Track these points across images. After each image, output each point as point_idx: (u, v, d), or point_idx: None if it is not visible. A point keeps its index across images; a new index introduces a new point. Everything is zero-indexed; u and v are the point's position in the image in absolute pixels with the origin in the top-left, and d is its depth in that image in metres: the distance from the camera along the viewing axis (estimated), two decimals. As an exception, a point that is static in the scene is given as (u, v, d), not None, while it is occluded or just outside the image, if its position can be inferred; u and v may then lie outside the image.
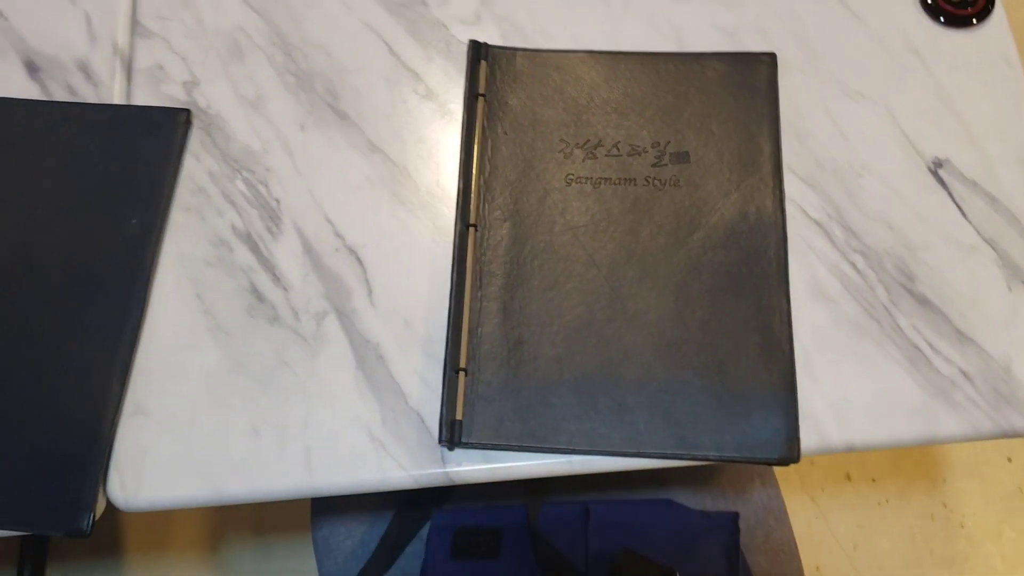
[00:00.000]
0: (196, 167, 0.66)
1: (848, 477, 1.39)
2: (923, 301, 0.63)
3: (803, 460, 1.40)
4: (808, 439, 0.59)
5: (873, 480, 1.39)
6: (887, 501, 1.37)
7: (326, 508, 0.86)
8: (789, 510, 0.87)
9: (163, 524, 1.34)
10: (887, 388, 0.61)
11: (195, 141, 0.67)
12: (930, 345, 0.62)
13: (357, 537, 0.85)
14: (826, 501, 1.37)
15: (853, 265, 0.64)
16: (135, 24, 0.70)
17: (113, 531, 1.32)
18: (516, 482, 0.84)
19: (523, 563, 0.77)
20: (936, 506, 1.37)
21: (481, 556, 0.78)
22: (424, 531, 0.84)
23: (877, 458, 1.40)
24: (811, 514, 1.36)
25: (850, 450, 0.60)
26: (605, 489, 0.86)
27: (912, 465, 1.40)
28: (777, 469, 1.11)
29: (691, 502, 0.85)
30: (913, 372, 0.61)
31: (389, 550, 0.84)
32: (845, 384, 0.61)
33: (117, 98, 0.68)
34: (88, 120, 0.66)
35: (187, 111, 0.67)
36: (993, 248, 0.64)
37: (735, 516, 0.80)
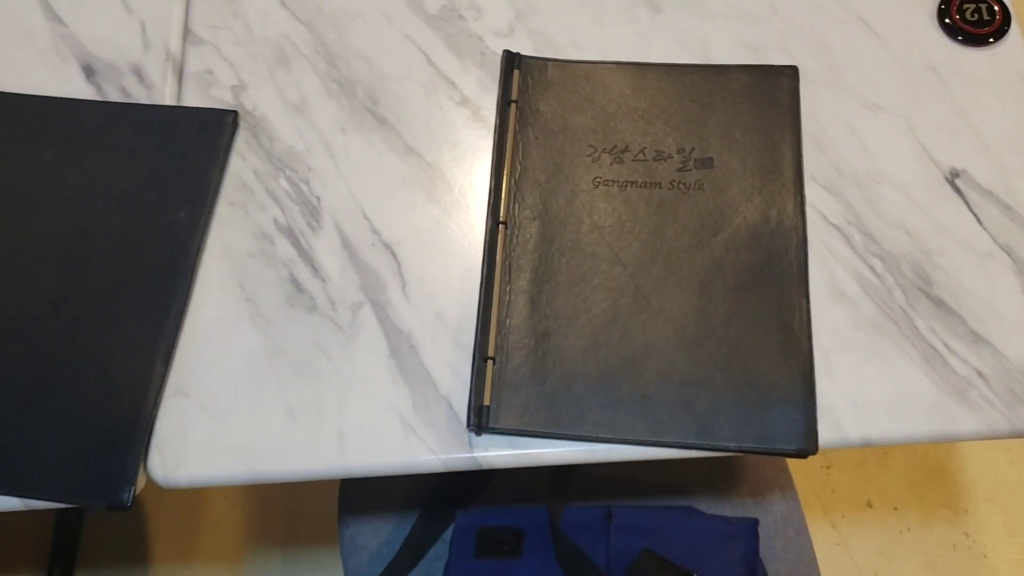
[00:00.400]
0: (242, 165, 0.69)
1: (869, 504, 1.39)
2: (940, 304, 0.65)
3: (824, 486, 1.40)
4: (826, 433, 0.61)
5: (895, 508, 1.39)
6: (908, 529, 1.37)
7: (353, 508, 0.88)
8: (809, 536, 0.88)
9: (190, 535, 1.36)
10: (904, 387, 0.62)
11: (241, 141, 0.70)
12: (946, 346, 0.64)
13: (382, 537, 0.87)
14: (847, 528, 1.37)
15: (872, 268, 0.66)
16: (187, 32, 0.74)
17: (140, 541, 1.35)
18: (539, 486, 0.86)
19: (545, 562, 0.78)
20: (958, 536, 1.37)
21: (504, 555, 0.79)
22: (448, 534, 0.86)
23: (899, 486, 1.40)
24: (832, 541, 1.36)
25: (867, 444, 0.61)
26: (627, 496, 0.87)
27: (934, 494, 1.40)
28: (800, 491, 1.12)
29: (711, 511, 0.87)
30: (930, 371, 0.63)
31: (413, 551, 0.86)
32: (863, 382, 0.63)
33: (168, 100, 0.71)
34: (141, 120, 0.70)
35: (234, 113, 0.70)
36: (1009, 255, 0.66)
37: (754, 523, 0.81)
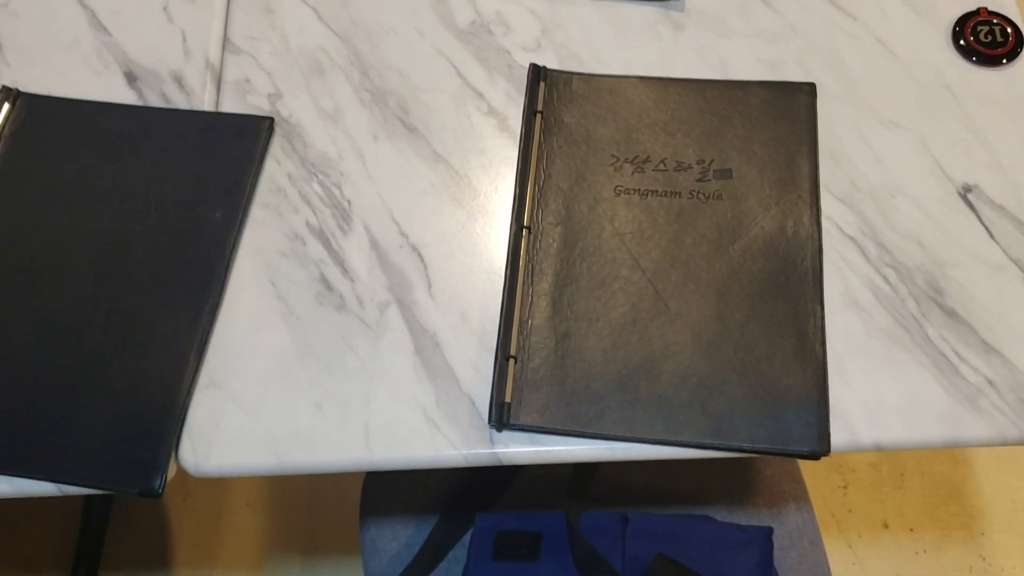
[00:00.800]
0: (276, 169, 0.72)
1: (885, 525, 1.39)
2: (951, 314, 0.66)
3: (841, 506, 1.41)
4: (839, 437, 0.62)
5: (911, 529, 1.39)
6: (924, 551, 1.37)
7: (375, 510, 0.90)
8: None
9: (212, 541, 1.38)
10: (916, 393, 0.64)
11: (276, 147, 0.73)
12: (957, 354, 0.65)
13: (402, 539, 0.89)
14: (863, 548, 1.38)
15: (885, 278, 0.68)
16: (226, 42, 0.77)
17: (163, 546, 1.37)
18: (558, 492, 0.87)
19: (562, 565, 0.80)
20: (974, 559, 1.37)
21: (521, 558, 0.81)
22: (467, 537, 0.88)
23: (915, 508, 1.41)
24: (848, 560, 1.37)
25: (878, 448, 0.63)
26: (643, 505, 0.89)
27: (950, 517, 1.40)
28: (816, 510, 1.12)
29: (727, 521, 0.88)
30: (941, 379, 0.64)
31: (432, 553, 0.87)
32: (876, 388, 0.64)
33: (207, 106, 0.74)
34: (181, 124, 0.73)
35: (270, 119, 0.73)
36: (1020, 268, 0.68)
37: (769, 531, 0.82)
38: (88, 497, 1.39)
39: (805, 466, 0.94)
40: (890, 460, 1.44)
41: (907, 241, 0.69)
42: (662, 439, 0.62)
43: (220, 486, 1.43)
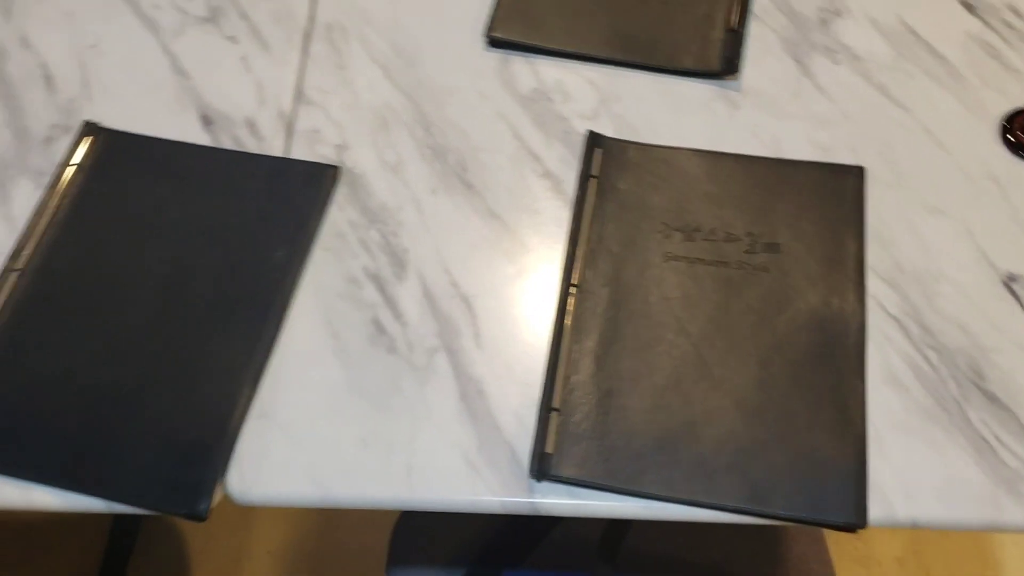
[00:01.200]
0: (338, 215, 0.75)
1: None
2: (992, 398, 0.67)
3: (865, 601, 1.39)
4: (876, 511, 0.63)
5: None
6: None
7: (402, 560, 0.90)
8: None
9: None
10: (954, 474, 0.64)
11: (340, 194, 0.76)
12: (998, 439, 0.66)
13: (427, 591, 0.89)
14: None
15: (927, 359, 0.69)
16: (300, 94, 0.81)
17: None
18: (587, 554, 0.88)
19: (586, 628, 0.80)
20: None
21: (546, 617, 0.81)
22: (492, 594, 0.88)
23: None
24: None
25: (914, 526, 0.63)
26: (671, 575, 0.89)
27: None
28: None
29: (753, 597, 0.88)
30: (980, 462, 0.65)
31: (456, 608, 0.88)
32: (914, 465, 0.65)
33: (277, 152, 0.78)
34: (252, 167, 0.76)
35: (336, 168, 0.76)
36: (1062, 359, 0.69)
37: (796, 610, 0.82)
38: (111, 533, 1.41)
39: (831, 555, 0.94)
40: (917, 557, 1.42)
41: (950, 324, 0.70)
42: (699, 501, 0.63)
43: (242, 531, 1.43)
